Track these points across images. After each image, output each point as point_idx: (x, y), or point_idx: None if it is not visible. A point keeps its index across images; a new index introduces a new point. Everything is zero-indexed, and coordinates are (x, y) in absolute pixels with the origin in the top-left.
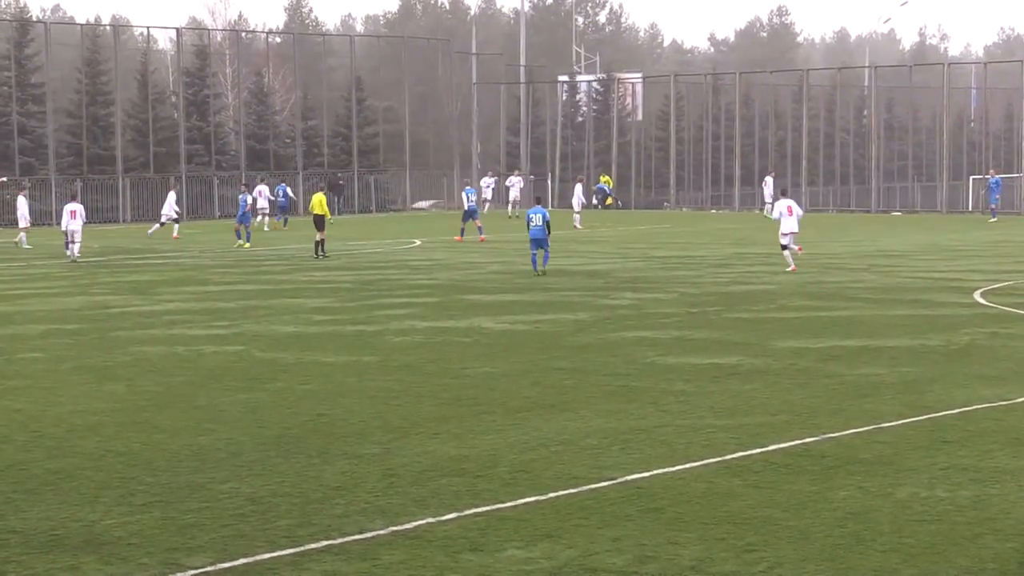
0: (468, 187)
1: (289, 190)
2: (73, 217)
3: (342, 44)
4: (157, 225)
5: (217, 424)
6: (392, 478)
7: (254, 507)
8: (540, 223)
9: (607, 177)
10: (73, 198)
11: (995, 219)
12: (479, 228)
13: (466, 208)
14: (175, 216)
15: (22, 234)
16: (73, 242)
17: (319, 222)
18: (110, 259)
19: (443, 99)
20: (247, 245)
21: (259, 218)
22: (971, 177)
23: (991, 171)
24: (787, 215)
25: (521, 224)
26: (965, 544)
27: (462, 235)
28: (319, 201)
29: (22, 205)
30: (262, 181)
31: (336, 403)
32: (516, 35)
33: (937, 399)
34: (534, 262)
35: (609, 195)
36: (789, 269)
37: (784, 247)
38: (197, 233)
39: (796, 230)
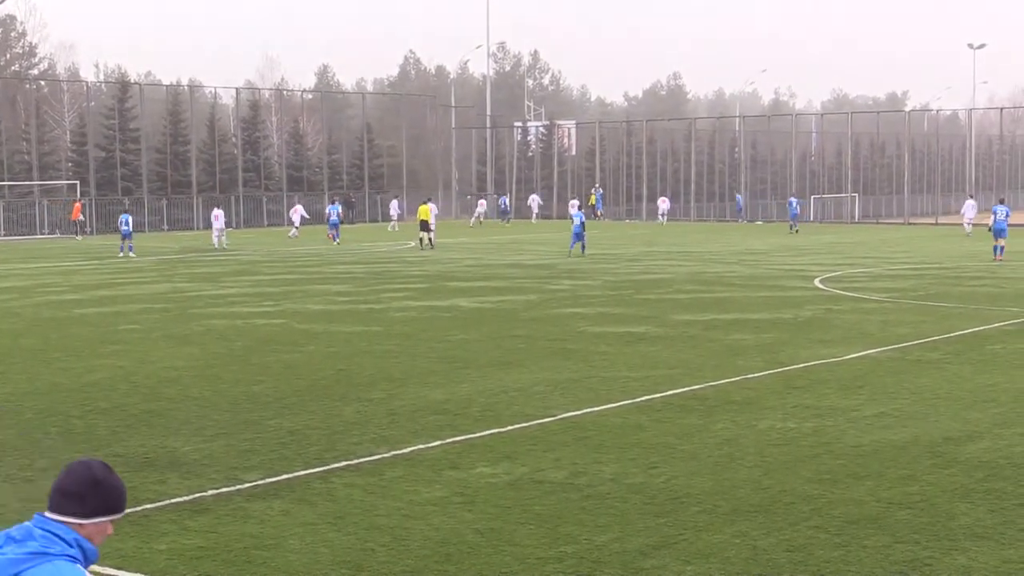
0: (333, 204)
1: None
2: (216, 220)
3: (357, 99)
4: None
5: (266, 376)
6: (394, 416)
7: (293, 437)
8: (578, 223)
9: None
10: (217, 207)
11: (796, 228)
12: (334, 235)
13: (333, 220)
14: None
15: (220, 236)
16: (220, 237)
17: (424, 225)
18: (187, 256)
19: (430, 140)
20: (337, 243)
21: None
22: (812, 196)
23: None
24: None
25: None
26: (808, 461)
27: (334, 238)
28: (424, 211)
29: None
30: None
31: (352, 361)
32: (484, 93)
33: (788, 357)
34: (571, 247)
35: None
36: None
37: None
38: (252, 237)
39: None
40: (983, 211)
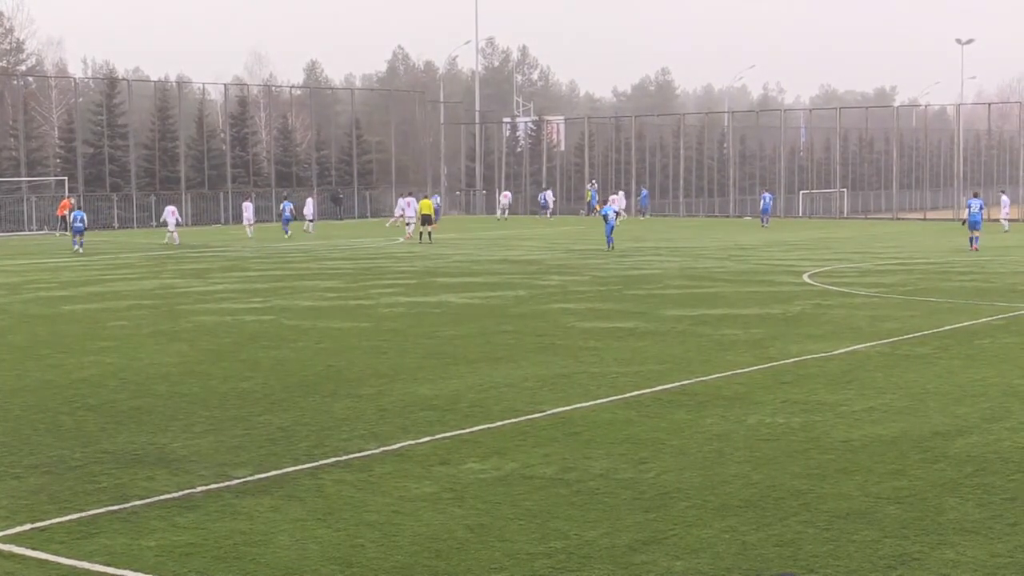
0: (287, 201)
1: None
2: (246, 211)
3: (345, 95)
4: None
5: (255, 373)
6: (383, 412)
7: (282, 433)
8: (612, 216)
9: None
10: (246, 199)
11: (766, 225)
12: (287, 230)
13: (286, 216)
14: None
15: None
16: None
17: (426, 219)
18: (176, 252)
19: (419, 135)
20: (288, 235)
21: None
22: (800, 191)
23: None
24: (407, 208)
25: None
26: (797, 456)
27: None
28: (427, 205)
29: (247, 208)
30: (286, 197)
31: (342, 357)
32: (472, 88)
33: (777, 352)
34: (608, 242)
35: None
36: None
37: (407, 224)
38: (241, 234)
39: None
40: (1014, 204)
